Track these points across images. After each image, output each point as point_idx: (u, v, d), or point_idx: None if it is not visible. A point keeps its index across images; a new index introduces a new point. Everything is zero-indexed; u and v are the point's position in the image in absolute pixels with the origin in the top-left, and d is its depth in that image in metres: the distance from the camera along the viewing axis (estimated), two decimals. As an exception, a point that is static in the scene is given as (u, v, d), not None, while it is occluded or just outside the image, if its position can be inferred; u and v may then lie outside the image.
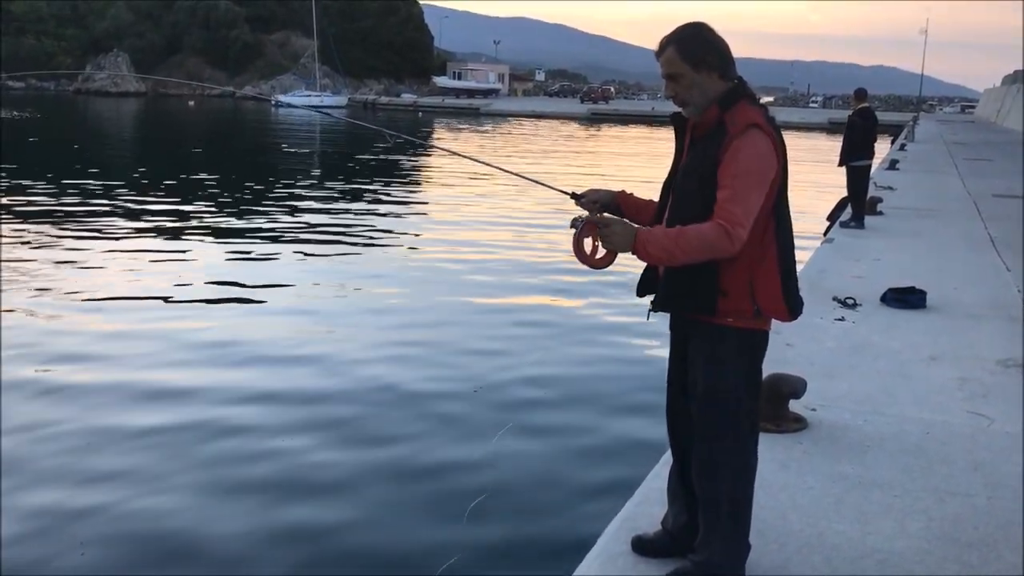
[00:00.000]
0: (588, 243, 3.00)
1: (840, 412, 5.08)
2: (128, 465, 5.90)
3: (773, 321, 3.08)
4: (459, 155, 4.31)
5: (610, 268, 3.07)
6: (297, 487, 5.68)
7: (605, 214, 3.09)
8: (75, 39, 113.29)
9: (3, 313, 9.32)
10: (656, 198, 3.26)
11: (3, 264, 11.66)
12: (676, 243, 2.84)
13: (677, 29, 3.01)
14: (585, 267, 3.07)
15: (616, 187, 3.43)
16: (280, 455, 6.13)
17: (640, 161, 30.23)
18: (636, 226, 2.93)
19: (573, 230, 3.02)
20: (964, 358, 6.24)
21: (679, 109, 3.09)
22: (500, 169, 3.79)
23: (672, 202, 3.09)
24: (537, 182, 3.64)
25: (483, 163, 3.98)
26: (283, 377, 7.69)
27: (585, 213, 3.14)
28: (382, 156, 32.07)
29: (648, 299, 3.18)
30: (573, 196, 3.27)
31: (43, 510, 5.27)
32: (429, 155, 31.93)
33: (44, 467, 5.83)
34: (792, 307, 3.03)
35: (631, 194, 3.33)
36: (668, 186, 3.16)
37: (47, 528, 5.08)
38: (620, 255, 2.97)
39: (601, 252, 2.99)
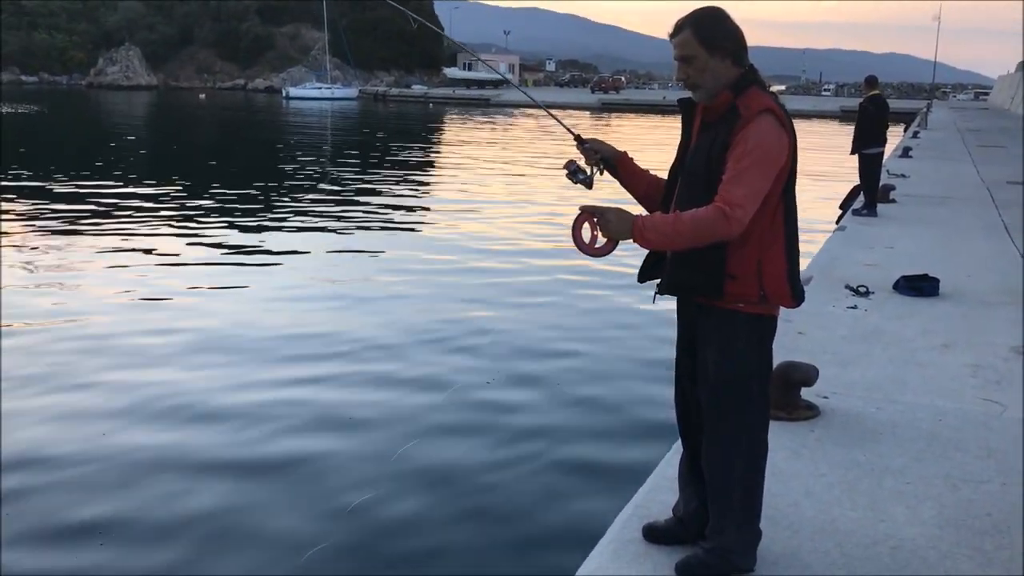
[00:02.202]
0: (587, 232, 2.99)
1: (852, 400, 5.07)
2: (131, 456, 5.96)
3: (784, 309, 3.08)
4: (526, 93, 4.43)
5: (620, 253, 3.07)
6: (329, 479, 5.72)
7: (595, 204, 3.06)
8: (86, 33, 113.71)
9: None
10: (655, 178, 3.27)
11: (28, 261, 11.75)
12: (674, 228, 2.84)
13: (694, 12, 2.98)
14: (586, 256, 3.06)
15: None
16: (296, 442, 6.17)
17: (651, 149, 30.22)
18: (633, 213, 2.93)
19: (565, 172, 3.11)
20: (977, 345, 6.21)
21: (689, 95, 3.08)
22: (542, 106, 3.81)
23: (680, 186, 3.08)
24: (555, 117, 3.64)
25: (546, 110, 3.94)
26: (317, 358, 7.73)
27: (582, 159, 3.14)
28: (392, 146, 32.09)
29: (649, 284, 3.18)
30: (578, 139, 3.25)
31: (55, 501, 5.33)
32: (434, 145, 31.93)
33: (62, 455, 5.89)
34: (796, 294, 3.03)
35: (632, 159, 3.31)
36: (675, 171, 3.15)
37: (64, 519, 5.13)
38: (621, 243, 2.97)
39: (601, 241, 2.98)
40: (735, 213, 2.79)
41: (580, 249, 3.02)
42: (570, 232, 2.99)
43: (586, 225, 2.98)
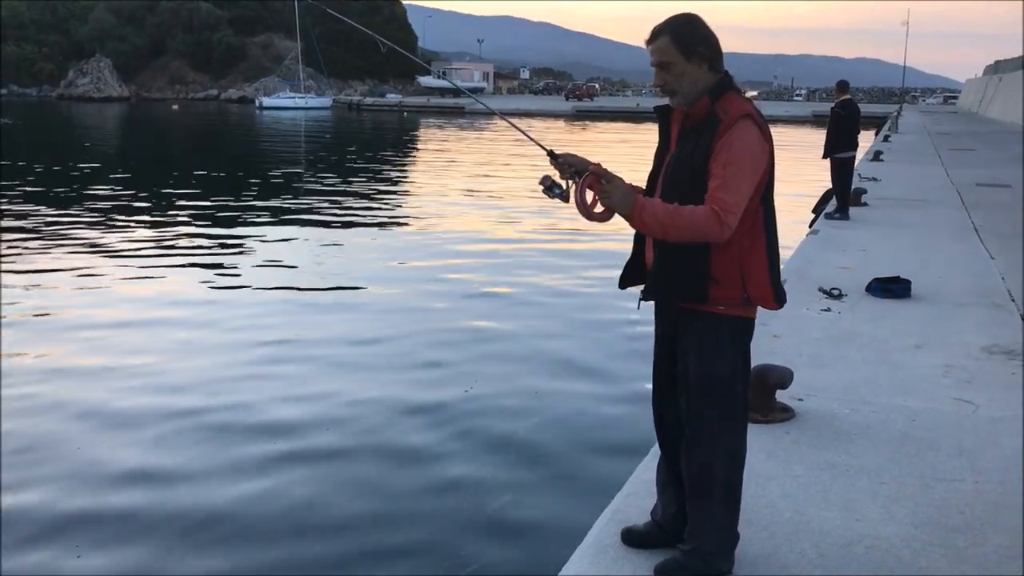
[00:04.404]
0: (590, 195, 3.02)
1: (827, 401, 5.12)
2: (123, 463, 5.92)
3: (759, 312, 3.12)
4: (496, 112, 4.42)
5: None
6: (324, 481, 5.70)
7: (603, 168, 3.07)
8: (56, 45, 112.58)
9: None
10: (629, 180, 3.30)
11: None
12: (672, 218, 2.87)
13: (671, 18, 3.02)
14: (585, 221, 3.10)
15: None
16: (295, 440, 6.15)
17: (626, 156, 30.38)
18: (635, 192, 2.96)
19: (541, 187, 3.11)
20: (949, 345, 6.29)
21: (664, 102, 3.11)
22: (498, 115, 3.80)
23: (662, 192, 3.09)
24: (524, 132, 3.65)
25: (501, 115, 3.96)
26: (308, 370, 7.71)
27: (556, 173, 3.16)
28: (366, 155, 32.02)
29: (630, 290, 3.20)
30: (550, 154, 3.25)
31: (43, 509, 5.28)
32: (409, 154, 31.91)
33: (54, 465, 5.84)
34: (778, 295, 3.07)
35: (605, 169, 3.33)
36: (654, 177, 3.18)
37: (45, 528, 5.08)
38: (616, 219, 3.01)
39: (600, 208, 3.01)
40: (727, 219, 2.84)
41: (579, 207, 3.05)
42: (573, 192, 3.01)
43: (591, 188, 3.01)
